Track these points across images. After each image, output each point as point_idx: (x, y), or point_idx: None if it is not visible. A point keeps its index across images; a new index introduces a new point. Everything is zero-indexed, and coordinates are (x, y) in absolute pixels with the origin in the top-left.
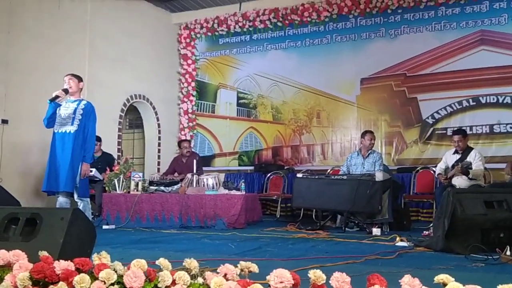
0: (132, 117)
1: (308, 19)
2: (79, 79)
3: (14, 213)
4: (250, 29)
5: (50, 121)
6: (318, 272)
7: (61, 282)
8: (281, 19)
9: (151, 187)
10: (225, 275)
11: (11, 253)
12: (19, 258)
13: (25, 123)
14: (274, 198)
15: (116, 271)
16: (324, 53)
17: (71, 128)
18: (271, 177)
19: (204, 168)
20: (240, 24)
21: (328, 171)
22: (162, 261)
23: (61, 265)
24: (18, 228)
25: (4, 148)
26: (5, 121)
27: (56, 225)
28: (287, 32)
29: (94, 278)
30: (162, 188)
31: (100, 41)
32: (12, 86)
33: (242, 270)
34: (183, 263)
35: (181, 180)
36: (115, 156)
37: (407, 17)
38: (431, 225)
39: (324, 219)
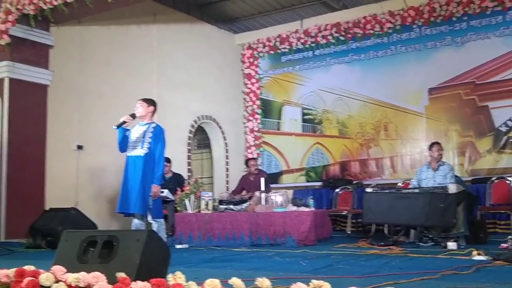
0: (200, 138)
1: (371, 31)
2: (149, 103)
3: (92, 236)
4: (312, 45)
5: (122, 145)
6: None
7: None
8: (343, 33)
9: (221, 206)
10: None
11: (91, 275)
12: (98, 280)
13: (99, 148)
14: (343, 213)
15: None
16: (388, 65)
17: (141, 151)
18: (339, 192)
19: (271, 185)
20: (302, 40)
21: (399, 184)
22: (235, 281)
23: (138, 286)
24: (96, 251)
25: (80, 173)
26: (80, 147)
27: (132, 247)
28: (350, 46)
29: None
30: (231, 206)
31: (167, 65)
32: (86, 112)
33: None
34: (255, 282)
35: (250, 198)
36: (185, 176)
37: (474, 23)
38: (510, 237)
39: (397, 234)
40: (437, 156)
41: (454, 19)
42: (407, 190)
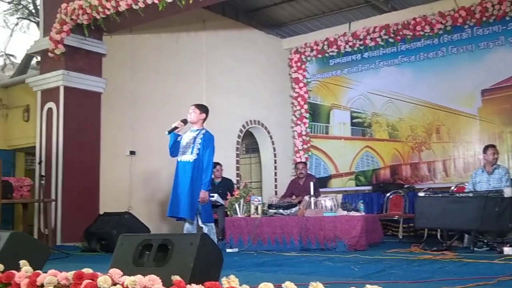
0: (247, 142)
1: (421, 33)
2: (202, 109)
3: (147, 239)
4: (361, 47)
5: (173, 150)
6: None
7: None
8: (392, 35)
9: (270, 210)
10: None
11: (147, 278)
12: (154, 283)
13: (150, 153)
14: (395, 218)
15: None
16: (440, 66)
17: (190, 157)
18: (390, 196)
19: (320, 190)
20: (351, 43)
21: (452, 188)
22: (288, 285)
23: None
24: (152, 254)
25: (133, 178)
26: (133, 152)
27: (186, 250)
28: (399, 48)
29: None
30: (281, 211)
31: (216, 71)
32: (138, 119)
33: None
34: (309, 287)
35: (299, 202)
36: (234, 181)
37: None
38: None
39: (450, 239)
40: (492, 159)
41: (507, 18)
42: (461, 194)
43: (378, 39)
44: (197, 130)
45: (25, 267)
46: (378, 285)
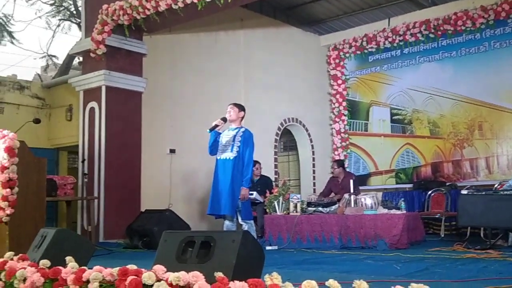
0: (285, 140)
1: (462, 27)
2: (240, 108)
3: (190, 236)
4: (401, 43)
5: (213, 148)
6: None
7: None
8: (433, 30)
9: (309, 208)
10: None
11: (190, 274)
12: (197, 279)
13: (190, 151)
14: (436, 216)
15: None
16: (482, 62)
17: (230, 155)
18: (432, 194)
19: (360, 188)
20: (390, 39)
21: (496, 186)
22: (332, 282)
23: (236, 286)
24: (194, 251)
25: (173, 176)
26: (172, 151)
27: (228, 248)
28: (440, 43)
29: None
30: (320, 209)
31: (253, 69)
32: (177, 117)
33: None
34: (353, 285)
35: (338, 200)
36: (272, 179)
37: None
38: None
39: (495, 238)
40: None
41: None
42: (505, 192)
43: (418, 35)
44: (236, 128)
45: (71, 263)
46: (422, 284)
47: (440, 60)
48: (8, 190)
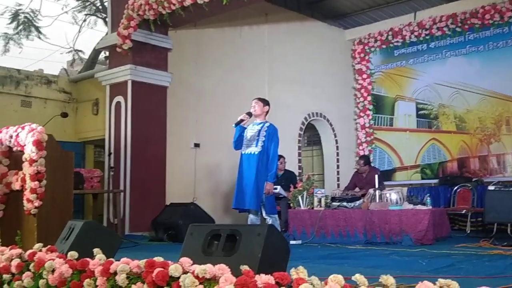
0: (309, 135)
1: (490, 21)
2: (265, 102)
3: (216, 229)
4: (427, 37)
5: (238, 143)
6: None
7: None
8: (460, 24)
9: (334, 203)
10: None
11: (217, 267)
12: (223, 272)
13: (214, 145)
14: (463, 212)
15: (313, 286)
16: (510, 56)
17: (255, 149)
18: (458, 190)
19: (385, 183)
20: (416, 33)
21: None
22: (359, 277)
23: (262, 279)
24: (220, 244)
25: (197, 170)
26: (197, 145)
27: (253, 241)
28: (467, 37)
29: None
30: (344, 203)
31: (278, 64)
32: (202, 112)
33: (441, 287)
34: (379, 279)
35: (363, 195)
36: (296, 173)
37: None
38: None
39: None
40: None
41: None
42: None
43: (445, 29)
44: (261, 123)
45: (99, 255)
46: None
47: (467, 54)
48: (36, 182)
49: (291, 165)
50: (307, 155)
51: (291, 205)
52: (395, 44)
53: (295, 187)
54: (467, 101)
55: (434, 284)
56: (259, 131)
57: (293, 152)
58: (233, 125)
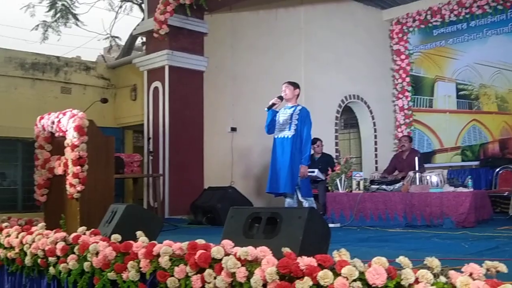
0: (346, 117)
1: None
2: (295, 86)
3: (256, 212)
4: (467, 16)
5: (270, 127)
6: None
7: (306, 277)
8: (501, 2)
9: (373, 186)
10: (470, 275)
11: (258, 249)
12: (265, 254)
13: (249, 129)
14: (505, 194)
15: (356, 268)
16: None
17: (288, 133)
18: (500, 172)
19: (424, 165)
20: (456, 12)
21: None
22: (403, 259)
23: (305, 261)
24: (261, 227)
25: (234, 154)
26: (234, 129)
27: (294, 224)
28: (509, 15)
29: (336, 274)
30: (384, 186)
31: (314, 46)
32: (238, 96)
33: (488, 269)
34: (424, 262)
35: (403, 178)
36: (333, 156)
37: None
38: None
39: None
40: None
41: None
42: None
43: (486, 7)
44: (292, 106)
45: (142, 238)
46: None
47: (509, 32)
48: (78, 167)
49: (328, 148)
50: (344, 138)
51: (329, 188)
52: (434, 23)
53: (333, 170)
54: (509, 80)
55: (481, 266)
56: (292, 114)
57: (330, 135)
58: (265, 109)
